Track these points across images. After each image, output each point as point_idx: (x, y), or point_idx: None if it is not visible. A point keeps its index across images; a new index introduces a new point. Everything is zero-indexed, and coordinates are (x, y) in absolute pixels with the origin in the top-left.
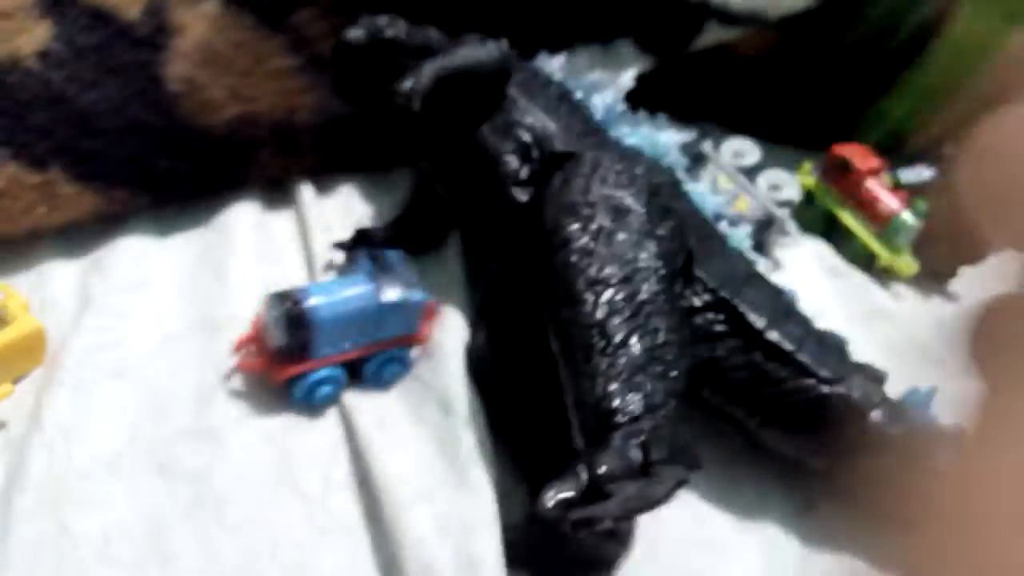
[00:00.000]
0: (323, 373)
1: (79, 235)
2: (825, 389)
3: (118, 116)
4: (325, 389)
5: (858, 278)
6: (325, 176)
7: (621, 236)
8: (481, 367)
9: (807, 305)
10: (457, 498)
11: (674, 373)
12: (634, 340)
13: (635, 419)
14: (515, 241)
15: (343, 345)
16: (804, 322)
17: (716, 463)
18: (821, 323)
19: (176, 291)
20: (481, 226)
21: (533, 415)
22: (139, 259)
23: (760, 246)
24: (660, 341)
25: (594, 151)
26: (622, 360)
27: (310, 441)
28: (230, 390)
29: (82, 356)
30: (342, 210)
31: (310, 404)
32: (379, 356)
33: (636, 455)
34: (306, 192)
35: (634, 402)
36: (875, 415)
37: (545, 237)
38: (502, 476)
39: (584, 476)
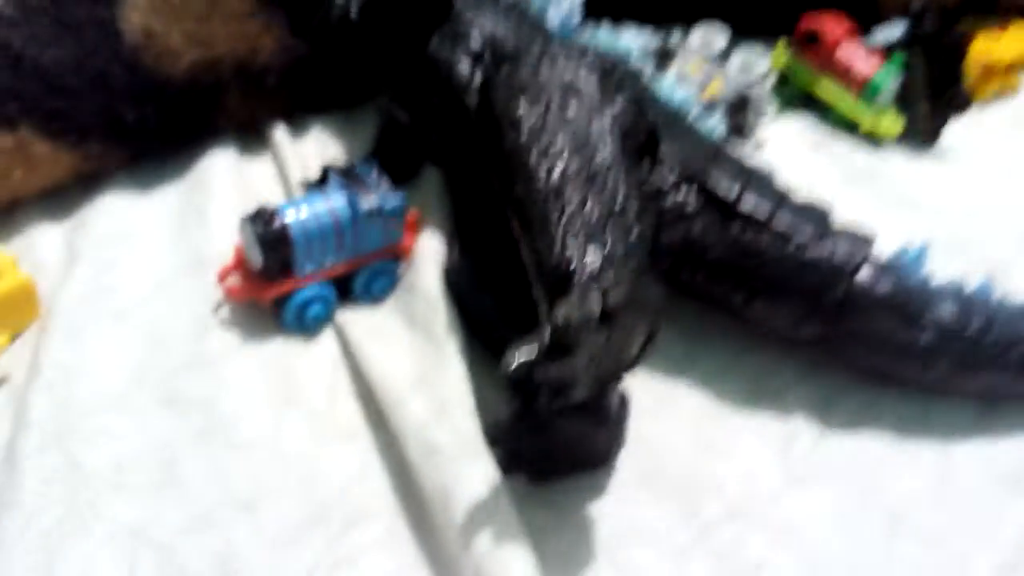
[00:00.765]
0: (310, 292)
1: (61, 198)
2: (807, 253)
3: (81, 72)
4: (315, 309)
5: (843, 146)
6: (297, 118)
7: (572, 111)
8: (457, 282)
9: (793, 179)
10: (450, 384)
11: (635, 231)
12: (591, 203)
13: (595, 274)
14: (475, 148)
15: (325, 260)
16: (778, 192)
17: (715, 336)
18: (809, 195)
19: (161, 239)
20: (445, 144)
21: (508, 324)
22: (122, 214)
23: (739, 129)
24: (619, 201)
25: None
26: (578, 221)
27: (309, 361)
28: (226, 322)
29: (75, 304)
30: (317, 149)
31: (304, 326)
32: (366, 271)
33: (595, 303)
34: (280, 134)
35: (593, 257)
36: (862, 275)
37: (495, 123)
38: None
39: (547, 335)
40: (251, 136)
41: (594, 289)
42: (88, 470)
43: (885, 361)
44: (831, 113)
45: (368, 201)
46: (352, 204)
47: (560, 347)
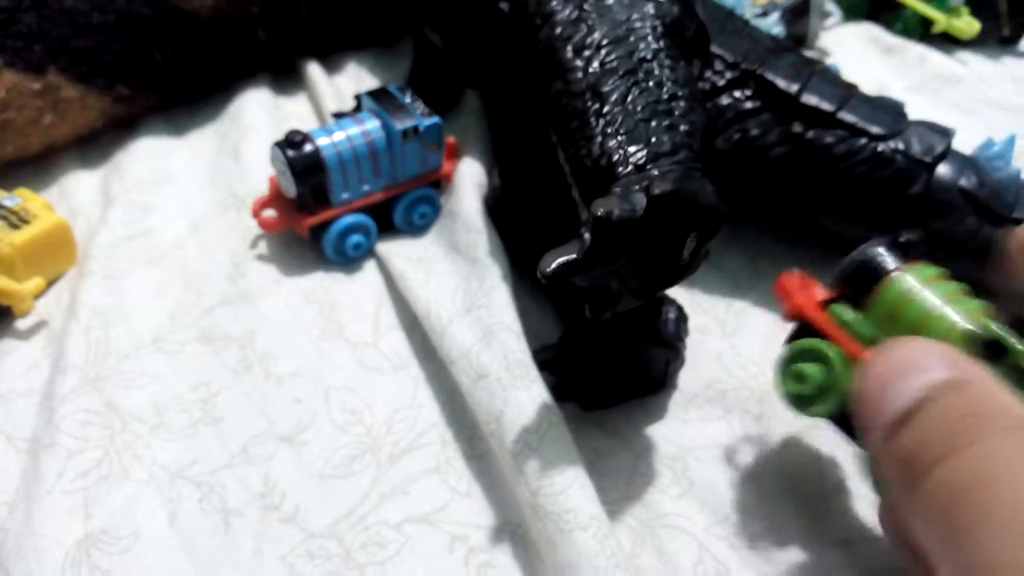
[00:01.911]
0: (348, 220)
1: (95, 145)
2: (879, 146)
3: (106, 10)
4: (355, 238)
5: (916, 50)
6: (331, 56)
7: (609, 1)
8: (497, 208)
9: (861, 85)
10: (496, 309)
11: (685, 126)
12: (633, 95)
13: (639, 166)
14: (510, 60)
15: (362, 188)
16: (845, 85)
17: (781, 253)
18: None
19: (197, 181)
20: (480, 63)
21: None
22: (157, 158)
23: (799, 37)
24: (664, 96)
25: None
26: (620, 116)
27: (351, 292)
28: (264, 258)
29: (111, 249)
30: (353, 84)
31: (344, 257)
32: (405, 199)
33: (639, 198)
34: (314, 72)
35: (637, 152)
36: (942, 169)
37: (528, 21)
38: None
39: (587, 235)
40: (285, 76)
41: (637, 182)
42: (126, 412)
43: (969, 266)
44: (897, 22)
45: (402, 121)
46: (386, 124)
47: (602, 246)
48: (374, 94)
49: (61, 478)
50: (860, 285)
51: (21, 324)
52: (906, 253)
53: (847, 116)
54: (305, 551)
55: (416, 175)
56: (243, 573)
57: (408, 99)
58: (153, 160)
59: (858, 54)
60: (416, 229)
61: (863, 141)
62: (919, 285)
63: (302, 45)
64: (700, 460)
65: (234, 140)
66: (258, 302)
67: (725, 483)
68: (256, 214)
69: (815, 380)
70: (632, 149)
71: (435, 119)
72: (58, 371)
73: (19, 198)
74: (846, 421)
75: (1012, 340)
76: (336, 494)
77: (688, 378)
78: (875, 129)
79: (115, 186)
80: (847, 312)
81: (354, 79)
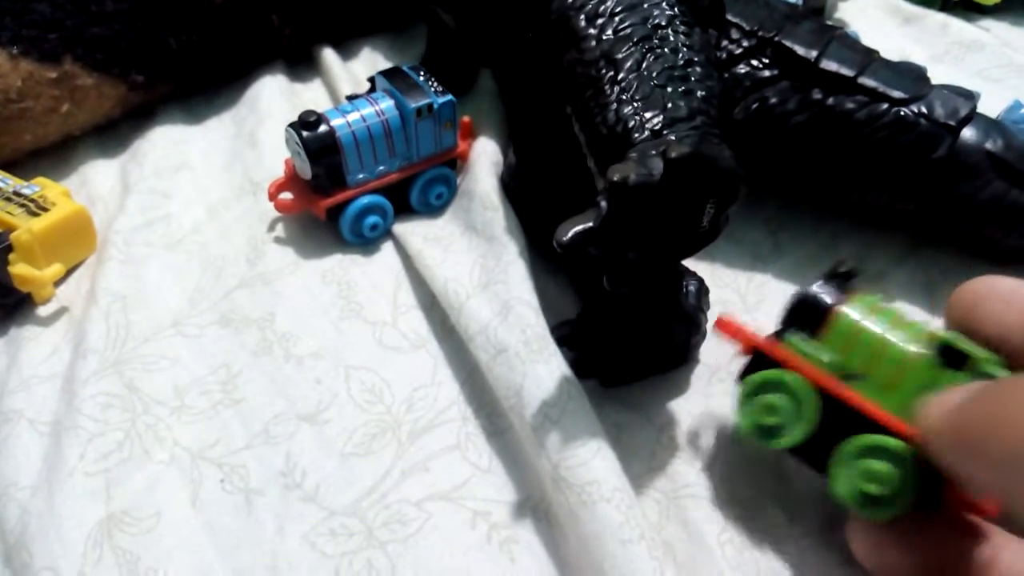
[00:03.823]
0: (364, 201)
1: (113, 133)
2: (902, 111)
3: None
4: (371, 219)
5: (937, 18)
6: (346, 42)
7: None
8: (514, 186)
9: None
10: (513, 285)
11: (701, 92)
12: (648, 61)
13: (655, 132)
14: (523, 34)
15: (377, 168)
16: (865, 50)
17: (802, 226)
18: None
19: (214, 167)
20: (493, 41)
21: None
22: (174, 145)
23: (819, 10)
24: (680, 63)
25: None
26: (635, 83)
27: (369, 273)
28: (281, 241)
29: (130, 235)
30: (367, 69)
31: (361, 238)
32: (420, 179)
33: (656, 163)
34: (329, 56)
35: (653, 118)
36: (967, 133)
37: None
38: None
39: (603, 203)
40: (301, 62)
41: (654, 147)
42: (147, 395)
43: (996, 231)
44: None
45: (416, 99)
46: (400, 103)
47: (618, 213)
48: (387, 73)
49: (83, 460)
50: (807, 322)
51: (42, 311)
52: (844, 285)
53: (868, 81)
54: (327, 529)
55: (431, 154)
56: (265, 552)
57: (421, 78)
58: (170, 147)
59: (877, 24)
60: (433, 209)
61: (885, 106)
62: (867, 312)
63: (316, 30)
64: (724, 433)
65: (251, 126)
66: (276, 284)
67: (748, 456)
68: (272, 197)
69: (786, 409)
70: (648, 115)
71: (448, 97)
72: (79, 355)
73: (38, 187)
74: (807, 450)
75: (972, 346)
76: (357, 473)
77: (710, 351)
78: (897, 94)
79: (133, 173)
80: (805, 342)
81: (368, 64)
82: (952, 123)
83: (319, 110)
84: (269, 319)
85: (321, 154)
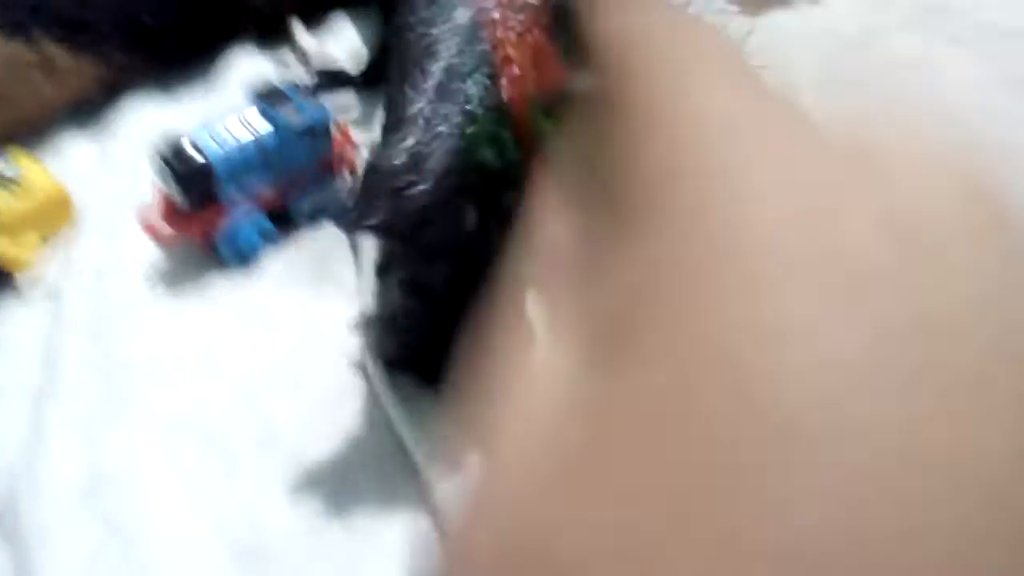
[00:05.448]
0: (237, 217)
1: (90, 108)
2: None
3: None
4: (245, 232)
5: None
6: (316, 14)
7: None
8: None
9: (850, 29)
10: None
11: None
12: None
13: None
14: None
15: (251, 184)
16: None
17: None
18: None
19: None
20: None
21: None
22: (150, 119)
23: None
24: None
25: None
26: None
27: (344, 243)
28: None
29: (105, 208)
30: (338, 42)
31: (241, 256)
32: (303, 194)
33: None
34: (300, 30)
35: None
36: None
37: None
38: None
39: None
40: (272, 36)
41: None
42: (125, 363)
43: None
44: None
45: (291, 116)
46: (275, 121)
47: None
48: (262, 93)
49: (63, 425)
50: None
51: (22, 284)
52: None
53: None
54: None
55: (309, 167)
56: (246, 512)
57: (297, 94)
58: (146, 122)
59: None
60: (315, 221)
61: None
62: None
63: (287, 4)
64: None
65: (224, 101)
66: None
67: None
68: (148, 229)
69: None
70: None
71: (323, 111)
72: (57, 326)
73: (17, 166)
74: None
75: None
76: (329, 427)
77: None
78: None
79: (109, 147)
80: None
81: (339, 36)
82: None
83: (294, 83)
84: (244, 288)
85: (194, 184)
